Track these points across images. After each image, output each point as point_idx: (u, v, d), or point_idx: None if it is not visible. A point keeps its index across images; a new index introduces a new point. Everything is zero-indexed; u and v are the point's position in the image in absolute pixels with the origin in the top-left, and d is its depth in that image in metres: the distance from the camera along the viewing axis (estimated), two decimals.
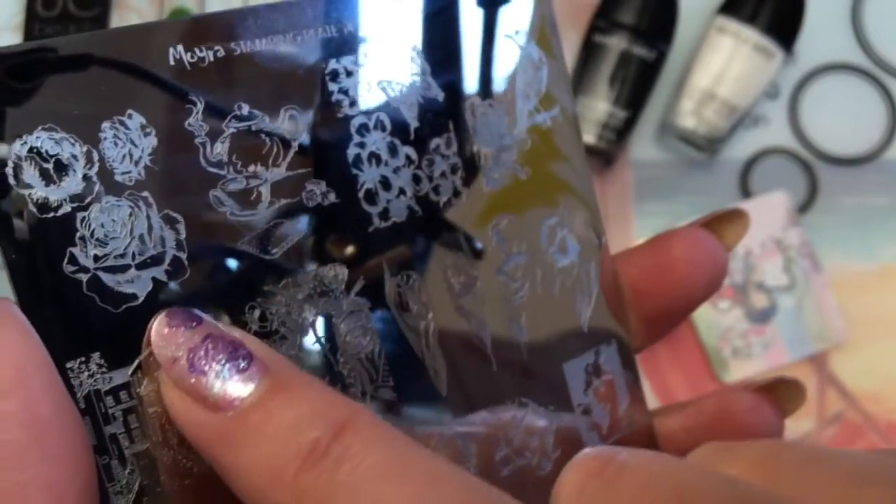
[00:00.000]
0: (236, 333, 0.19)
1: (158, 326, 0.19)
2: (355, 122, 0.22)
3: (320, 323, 0.21)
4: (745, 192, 0.68)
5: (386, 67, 0.22)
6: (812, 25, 0.67)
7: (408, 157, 0.23)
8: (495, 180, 0.24)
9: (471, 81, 0.24)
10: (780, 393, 0.25)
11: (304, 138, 0.21)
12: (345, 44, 0.22)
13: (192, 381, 0.18)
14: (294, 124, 0.21)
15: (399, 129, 0.22)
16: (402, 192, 0.22)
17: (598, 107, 0.65)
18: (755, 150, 0.69)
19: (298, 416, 0.17)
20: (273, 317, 0.21)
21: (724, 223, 0.25)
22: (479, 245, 0.24)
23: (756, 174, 0.68)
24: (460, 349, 0.23)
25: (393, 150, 0.22)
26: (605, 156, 0.65)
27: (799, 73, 0.70)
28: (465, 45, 0.24)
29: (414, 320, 0.22)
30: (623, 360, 0.26)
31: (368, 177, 0.22)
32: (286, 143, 0.21)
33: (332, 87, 0.22)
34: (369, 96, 0.22)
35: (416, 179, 0.23)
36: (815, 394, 0.66)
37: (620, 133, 0.65)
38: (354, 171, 0.22)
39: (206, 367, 0.18)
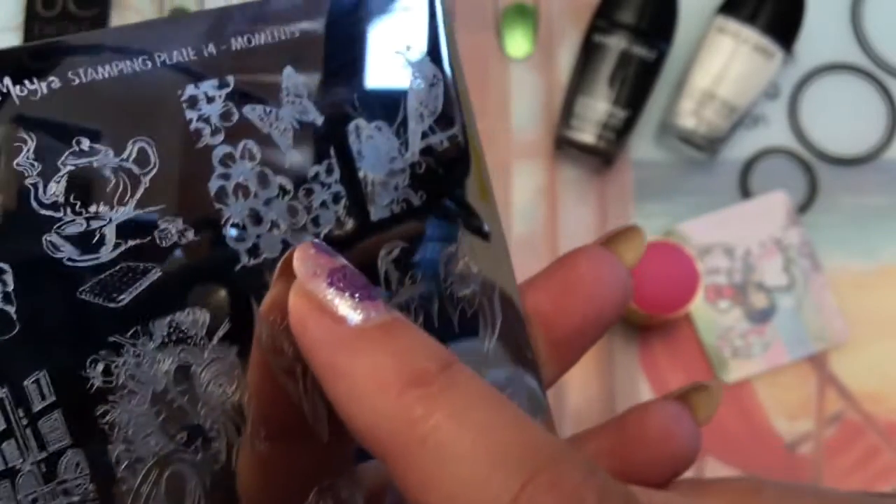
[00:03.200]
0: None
1: (303, 248, 0.20)
2: (218, 152, 0.20)
3: (176, 374, 0.20)
4: (745, 192, 0.68)
5: (254, 91, 0.20)
6: (812, 25, 0.67)
7: (281, 188, 0.21)
8: (384, 208, 0.22)
9: (355, 103, 0.22)
10: (692, 401, 0.24)
11: (156, 172, 0.19)
12: (205, 67, 0.20)
13: (327, 293, 0.19)
14: (144, 157, 0.19)
15: (270, 157, 0.21)
16: (274, 225, 0.21)
17: (598, 107, 0.65)
18: (755, 150, 0.69)
19: (413, 345, 0.18)
20: (119, 370, 0.19)
21: (621, 242, 0.25)
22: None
23: (756, 174, 0.68)
24: None
25: (263, 181, 0.21)
26: (605, 156, 0.65)
27: (799, 73, 0.70)
28: (348, 63, 0.22)
29: (289, 363, 0.20)
30: (531, 388, 0.24)
31: (234, 210, 0.20)
32: (135, 179, 0.19)
33: (191, 114, 0.20)
34: (234, 123, 0.20)
35: (292, 211, 0.21)
36: (815, 394, 0.66)
37: (620, 133, 0.65)
38: (218, 205, 0.20)
39: (341, 287, 0.19)
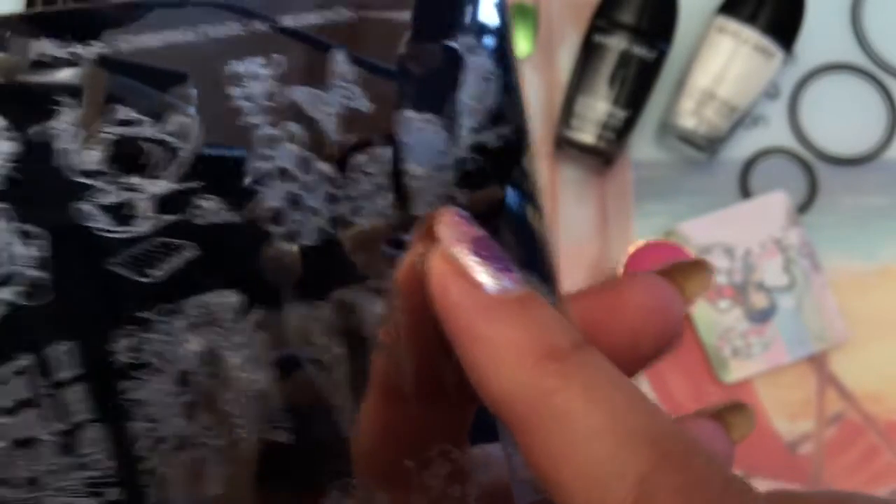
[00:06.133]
0: None
1: (447, 214, 0.20)
2: (260, 132, 0.20)
3: (205, 355, 0.19)
4: (745, 192, 0.68)
5: (303, 72, 0.20)
6: (812, 25, 0.67)
7: (323, 174, 0.20)
8: (428, 203, 0.21)
9: (405, 92, 0.21)
10: (728, 421, 0.24)
11: (195, 148, 0.19)
12: (252, 43, 0.19)
13: (469, 259, 0.19)
14: (185, 132, 0.19)
15: (314, 142, 0.20)
16: (313, 211, 0.20)
17: (598, 107, 0.65)
18: (755, 150, 0.69)
19: (548, 321, 0.19)
20: (146, 346, 0.19)
21: (687, 273, 0.24)
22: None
23: (756, 174, 0.68)
24: None
25: (305, 166, 0.20)
26: (605, 156, 0.65)
27: (799, 73, 0.70)
28: (402, 52, 0.21)
29: (319, 354, 0.20)
30: None
31: (273, 194, 0.20)
32: (173, 153, 0.19)
33: (234, 91, 0.19)
34: (279, 104, 0.20)
35: (333, 199, 0.20)
36: (815, 394, 0.66)
37: (620, 133, 0.65)
38: (256, 186, 0.20)
39: (484, 255, 0.19)
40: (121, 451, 0.19)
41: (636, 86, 0.65)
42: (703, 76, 0.65)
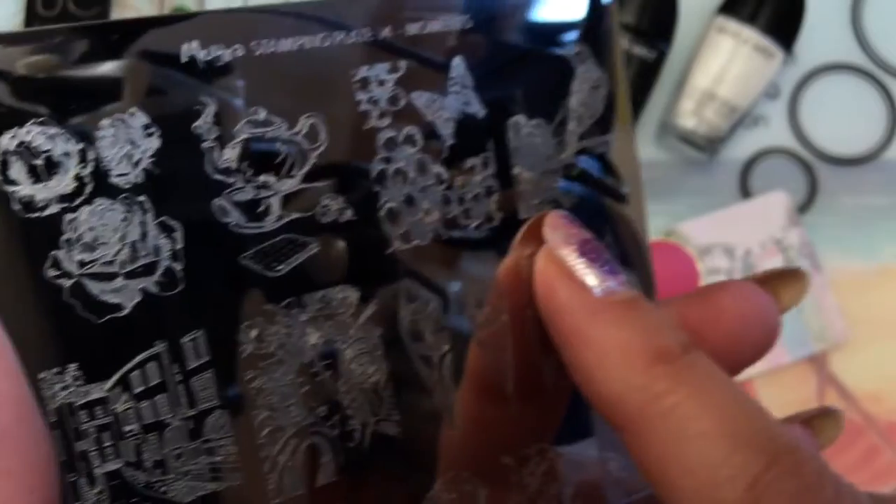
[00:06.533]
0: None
1: (554, 216, 0.20)
2: (382, 136, 0.20)
3: (323, 348, 0.20)
4: (745, 192, 0.68)
5: (422, 78, 0.21)
6: (812, 25, 0.67)
7: (438, 177, 0.21)
8: (534, 207, 0.22)
9: (518, 99, 0.22)
10: (817, 427, 0.24)
11: (323, 150, 0.20)
12: (380, 50, 0.20)
13: (577, 261, 0.19)
14: (314, 133, 0.20)
15: (431, 145, 0.21)
16: (428, 213, 0.21)
17: None
18: (755, 150, 0.69)
19: (656, 323, 0.19)
20: (272, 338, 0.20)
21: (782, 282, 0.24)
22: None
23: (756, 174, 0.68)
24: None
25: (422, 168, 0.21)
26: None
27: (799, 73, 0.70)
28: (515, 59, 0.22)
29: (428, 351, 0.21)
30: None
31: (391, 195, 0.20)
32: (303, 154, 0.20)
33: (361, 96, 0.20)
34: (400, 108, 0.21)
35: (446, 200, 0.21)
36: (815, 394, 0.66)
37: None
38: (376, 187, 0.20)
39: (592, 258, 0.19)
40: (243, 437, 0.19)
41: (636, 86, 0.65)
42: (703, 76, 0.65)
